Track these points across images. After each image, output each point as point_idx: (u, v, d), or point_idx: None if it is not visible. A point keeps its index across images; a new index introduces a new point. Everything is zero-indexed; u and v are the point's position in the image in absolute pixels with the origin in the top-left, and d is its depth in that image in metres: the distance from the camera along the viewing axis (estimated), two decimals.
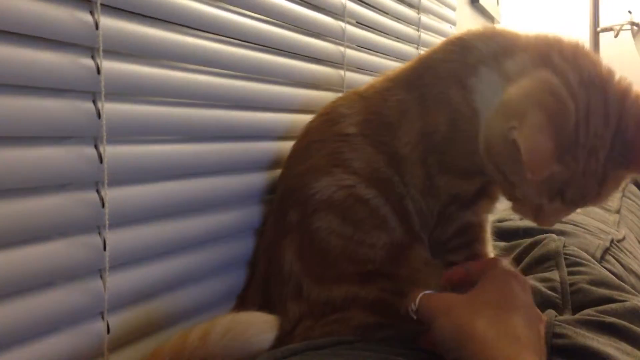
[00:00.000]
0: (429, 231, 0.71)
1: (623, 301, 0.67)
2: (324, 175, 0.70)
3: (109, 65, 0.58)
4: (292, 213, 0.71)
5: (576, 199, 0.57)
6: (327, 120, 0.76)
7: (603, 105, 0.55)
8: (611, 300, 0.67)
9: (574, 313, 0.67)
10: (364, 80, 1.08)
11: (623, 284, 0.75)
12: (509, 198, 0.62)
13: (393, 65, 1.21)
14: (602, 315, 0.64)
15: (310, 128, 0.78)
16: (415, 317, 0.57)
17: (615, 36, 2.09)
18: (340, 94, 1.00)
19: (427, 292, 0.57)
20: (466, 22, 1.82)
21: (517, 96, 0.55)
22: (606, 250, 0.91)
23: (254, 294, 0.75)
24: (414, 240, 0.70)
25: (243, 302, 0.76)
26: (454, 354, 0.51)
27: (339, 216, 0.68)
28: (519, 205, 0.62)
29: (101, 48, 0.56)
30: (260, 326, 0.55)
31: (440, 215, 0.70)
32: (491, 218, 0.74)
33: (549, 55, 0.57)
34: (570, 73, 0.55)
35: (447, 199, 0.69)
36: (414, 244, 0.70)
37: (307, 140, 0.76)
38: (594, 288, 0.70)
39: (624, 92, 0.56)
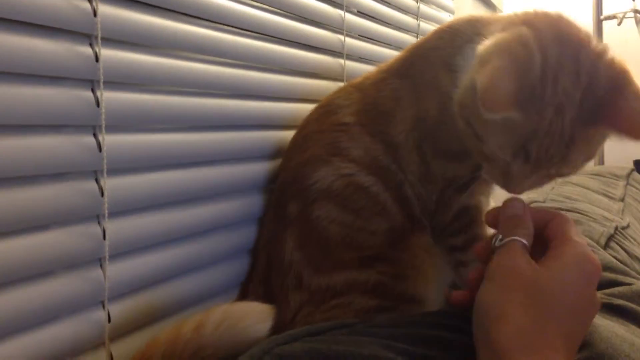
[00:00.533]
0: (431, 216, 0.71)
1: (629, 284, 0.66)
2: (323, 164, 0.70)
3: (108, 53, 0.57)
4: (292, 205, 0.71)
5: (541, 157, 0.53)
6: (324, 112, 0.77)
7: (574, 62, 0.52)
8: (617, 283, 0.67)
9: None
10: (363, 69, 1.08)
11: (628, 269, 0.74)
12: (480, 158, 0.60)
13: (393, 54, 1.20)
14: (610, 297, 0.64)
15: (308, 120, 0.78)
16: (492, 251, 0.54)
17: (619, 24, 2.07)
18: (340, 83, 1.00)
19: (518, 240, 0.52)
20: (468, 11, 1.81)
21: (487, 47, 0.54)
22: (610, 237, 0.91)
23: (255, 286, 0.75)
24: (416, 226, 0.71)
25: (245, 294, 0.76)
26: (478, 331, 0.49)
27: (338, 204, 0.69)
28: (489, 167, 0.59)
29: (99, 35, 0.56)
30: (255, 316, 0.55)
31: (439, 200, 0.70)
32: (493, 204, 0.73)
33: (528, 18, 0.57)
34: (545, 30, 0.54)
35: (443, 183, 0.69)
36: (415, 229, 0.70)
37: (305, 132, 0.77)
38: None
39: (598, 54, 0.54)
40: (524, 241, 0.53)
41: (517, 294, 0.49)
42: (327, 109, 0.77)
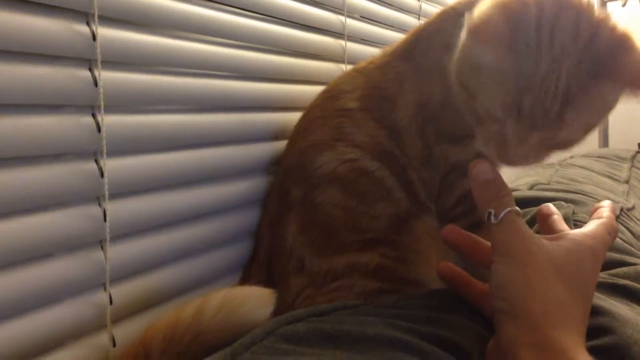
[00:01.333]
0: (435, 201, 0.71)
1: (634, 264, 0.66)
2: (327, 149, 0.70)
3: (105, 32, 0.56)
4: (296, 190, 0.71)
5: (535, 114, 0.51)
6: (328, 98, 0.76)
7: (574, 19, 0.51)
8: (622, 263, 0.66)
9: None
10: (364, 50, 1.07)
11: (633, 249, 0.74)
12: (475, 124, 0.58)
13: (394, 36, 1.18)
14: (614, 277, 0.64)
15: (312, 105, 0.78)
16: (487, 227, 0.52)
17: (623, 5, 2.05)
18: (341, 65, 0.98)
19: (514, 210, 0.51)
20: None
21: (482, 5, 0.52)
22: (617, 218, 0.90)
23: (257, 270, 0.74)
24: (421, 210, 0.70)
25: (247, 278, 0.75)
26: (502, 303, 0.49)
27: (342, 189, 0.68)
28: (484, 133, 0.57)
29: (96, 14, 0.55)
30: (255, 301, 0.54)
31: (442, 185, 0.70)
32: None
33: None
34: None
35: (446, 168, 0.69)
36: (421, 214, 0.70)
37: (309, 117, 0.76)
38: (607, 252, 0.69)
39: (599, 17, 0.52)
40: (518, 209, 0.52)
41: (536, 269, 0.49)
42: (331, 93, 0.76)
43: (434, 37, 0.70)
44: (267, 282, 0.71)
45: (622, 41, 0.50)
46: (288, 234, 0.70)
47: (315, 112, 0.76)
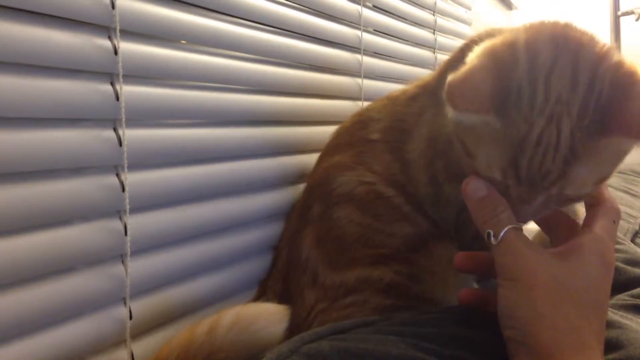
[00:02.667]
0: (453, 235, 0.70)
1: None
2: (347, 170, 0.70)
3: (127, 46, 0.56)
4: (316, 206, 0.71)
5: (533, 175, 0.47)
6: (357, 122, 0.76)
7: (572, 67, 0.46)
8: None
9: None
10: (380, 65, 1.07)
11: None
12: None
13: (409, 51, 1.18)
14: (635, 298, 0.62)
15: (342, 128, 0.78)
16: (489, 248, 0.50)
17: (637, 19, 2.04)
18: (357, 79, 0.98)
19: (513, 228, 0.48)
20: (482, 7, 1.79)
21: (474, 51, 0.50)
22: (636, 234, 0.89)
23: (274, 282, 0.74)
24: (444, 235, 0.68)
25: (264, 290, 0.75)
26: (511, 332, 0.47)
27: (359, 208, 0.68)
28: None
29: (118, 28, 0.55)
30: (267, 318, 0.53)
31: (457, 222, 0.68)
32: None
33: (534, 25, 0.51)
34: (542, 34, 0.48)
35: (458, 206, 0.66)
36: (443, 238, 0.68)
37: (337, 141, 0.77)
38: (629, 267, 0.67)
39: (601, 56, 0.47)
40: (517, 225, 0.49)
41: (543, 292, 0.46)
42: (360, 119, 0.76)
43: (449, 68, 0.69)
44: (282, 295, 0.71)
45: (627, 85, 0.46)
46: (304, 247, 0.70)
47: (343, 136, 0.77)
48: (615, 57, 0.47)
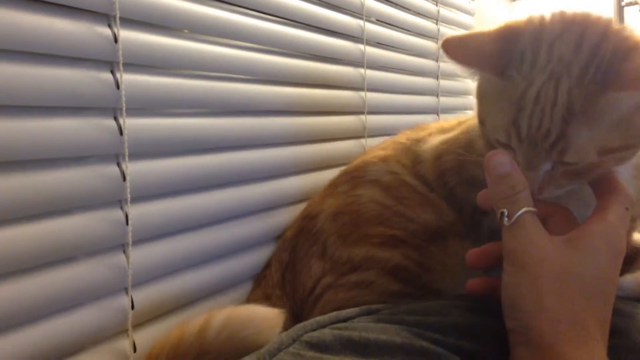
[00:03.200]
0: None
1: None
2: (381, 162, 0.75)
3: (127, 35, 0.56)
4: (343, 186, 0.74)
5: (533, 134, 0.47)
6: (414, 127, 0.82)
7: (578, 36, 0.48)
8: None
9: None
10: (382, 55, 1.06)
11: None
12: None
13: (412, 41, 1.17)
14: None
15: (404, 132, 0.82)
16: (502, 229, 0.49)
17: None
18: (360, 69, 0.97)
19: (529, 211, 0.47)
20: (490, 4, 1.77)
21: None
22: None
23: (281, 252, 0.74)
24: (466, 232, 0.68)
25: (269, 262, 0.75)
26: (513, 323, 0.47)
27: (384, 189, 0.71)
28: None
29: (118, 16, 0.54)
30: (259, 324, 0.51)
31: (470, 223, 0.68)
32: None
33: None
34: (556, 15, 0.50)
35: (470, 208, 0.67)
36: (464, 236, 0.68)
37: (389, 142, 0.81)
38: None
39: (610, 30, 0.48)
40: (533, 209, 0.48)
41: (549, 282, 0.46)
42: (419, 126, 0.81)
43: None
44: (288, 265, 0.72)
45: (629, 49, 0.46)
46: (320, 218, 0.72)
47: (399, 137, 0.80)
48: (627, 33, 0.48)
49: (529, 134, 0.48)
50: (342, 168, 0.81)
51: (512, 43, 0.49)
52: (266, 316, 0.52)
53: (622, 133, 0.47)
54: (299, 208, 0.79)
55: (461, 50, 0.51)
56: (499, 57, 0.49)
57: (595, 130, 0.46)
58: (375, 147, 0.83)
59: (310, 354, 0.47)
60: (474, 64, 0.51)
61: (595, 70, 0.46)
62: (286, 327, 0.64)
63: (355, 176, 0.75)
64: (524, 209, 0.47)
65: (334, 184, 0.77)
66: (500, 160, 0.49)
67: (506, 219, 0.48)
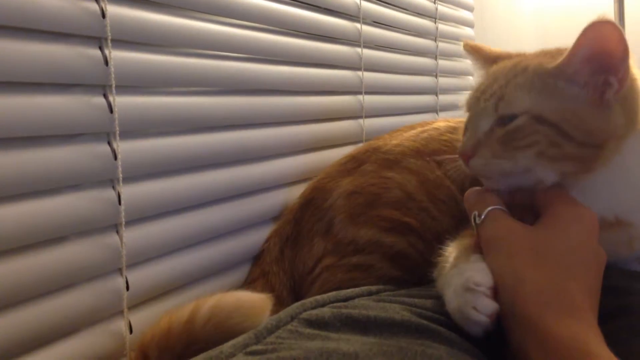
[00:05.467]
0: None
1: None
2: (421, 157, 0.72)
3: (114, 10, 0.55)
4: (369, 165, 0.72)
5: (479, 93, 0.57)
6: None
7: (513, 66, 0.56)
8: None
9: None
10: (379, 56, 1.04)
11: None
12: None
13: (410, 40, 1.15)
14: None
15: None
16: (474, 228, 0.53)
17: None
18: (358, 72, 0.96)
19: (497, 207, 0.52)
20: None
21: None
22: None
23: (283, 224, 0.73)
24: None
25: (272, 235, 0.74)
26: (502, 307, 0.46)
27: (420, 182, 0.68)
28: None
29: None
30: (245, 313, 0.49)
31: None
32: None
33: None
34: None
35: None
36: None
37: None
38: None
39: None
40: (502, 208, 0.52)
41: (524, 257, 0.48)
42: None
43: None
44: (290, 238, 0.71)
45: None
46: (333, 195, 0.70)
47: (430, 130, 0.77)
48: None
49: (482, 89, 0.56)
50: (367, 143, 0.78)
51: None
52: (253, 303, 0.51)
53: (562, 113, 0.51)
54: (297, 188, 0.78)
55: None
56: None
57: (533, 94, 0.52)
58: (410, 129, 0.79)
59: (309, 331, 0.46)
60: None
61: None
62: (283, 303, 0.63)
63: (389, 159, 0.72)
64: (492, 207, 0.52)
65: (357, 160, 0.74)
66: (474, 190, 0.57)
67: (477, 218, 0.52)
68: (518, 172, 0.53)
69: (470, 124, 0.57)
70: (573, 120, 0.51)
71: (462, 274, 0.49)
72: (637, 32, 1.70)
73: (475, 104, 0.56)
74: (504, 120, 0.53)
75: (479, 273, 0.48)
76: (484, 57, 0.64)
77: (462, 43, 0.69)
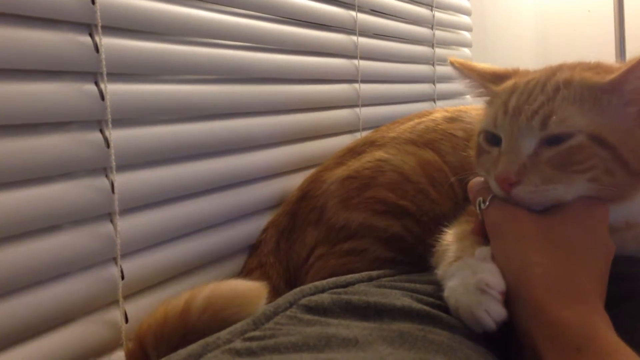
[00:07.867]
0: None
1: None
2: (429, 148, 0.70)
3: None
4: (368, 156, 0.71)
5: (520, 103, 0.51)
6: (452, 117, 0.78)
7: (546, 79, 0.50)
8: None
9: None
10: (375, 44, 1.03)
11: None
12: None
13: (405, 28, 1.14)
14: None
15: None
16: (479, 215, 0.52)
17: None
18: (354, 60, 0.95)
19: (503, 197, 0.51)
20: None
21: None
22: None
23: (280, 216, 0.73)
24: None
25: (266, 227, 0.73)
26: (510, 286, 0.46)
27: (420, 165, 0.68)
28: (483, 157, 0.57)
29: None
30: (240, 302, 0.49)
31: None
32: None
33: None
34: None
35: None
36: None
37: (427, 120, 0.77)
38: None
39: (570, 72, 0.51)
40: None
41: (533, 241, 0.47)
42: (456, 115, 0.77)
43: None
44: (285, 229, 0.71)
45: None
46: (327, 181, 0.70)
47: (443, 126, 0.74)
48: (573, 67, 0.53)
49: (517, 105, 0.49)
50: (364, 136, 0.78)
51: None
52: (248, 292, 0.51)
53: (620, 134, 0.47)
54: (293, 178, 0.77)
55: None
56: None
57: (586, 111, 0.47)
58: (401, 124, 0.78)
59: (308, 317, 0.46)
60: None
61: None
62: (280, 294, 0.63)
63: (394, 143, 0.71)
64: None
65: (356, 150, 0.74)
66: (479, 180, 0.56)
67: (482, 203, 0.51)
68: (569, 199, 0.48)
69: (506, 145, 0.50)
70: (630, 143, 0.47)
71: (474, 272, 0.47)
72: (638, 32, 1.69)
73: (511, 123, 0.49)
74: (550, 140, 0.47)
75: (492, 276, 0.46)
76: (479, 75, 0.58)
77: (449, 60, 0.61)
